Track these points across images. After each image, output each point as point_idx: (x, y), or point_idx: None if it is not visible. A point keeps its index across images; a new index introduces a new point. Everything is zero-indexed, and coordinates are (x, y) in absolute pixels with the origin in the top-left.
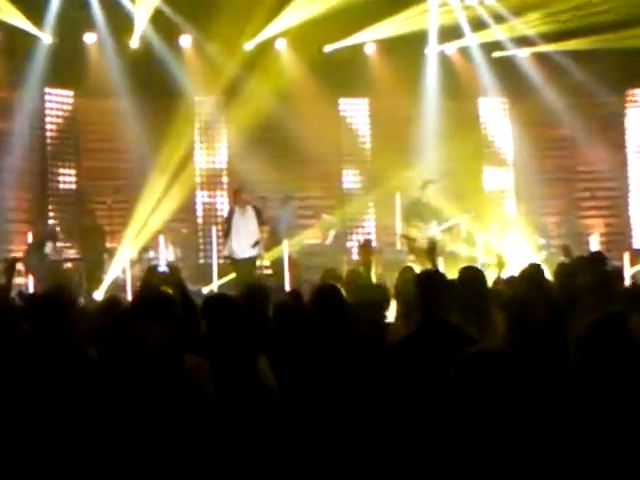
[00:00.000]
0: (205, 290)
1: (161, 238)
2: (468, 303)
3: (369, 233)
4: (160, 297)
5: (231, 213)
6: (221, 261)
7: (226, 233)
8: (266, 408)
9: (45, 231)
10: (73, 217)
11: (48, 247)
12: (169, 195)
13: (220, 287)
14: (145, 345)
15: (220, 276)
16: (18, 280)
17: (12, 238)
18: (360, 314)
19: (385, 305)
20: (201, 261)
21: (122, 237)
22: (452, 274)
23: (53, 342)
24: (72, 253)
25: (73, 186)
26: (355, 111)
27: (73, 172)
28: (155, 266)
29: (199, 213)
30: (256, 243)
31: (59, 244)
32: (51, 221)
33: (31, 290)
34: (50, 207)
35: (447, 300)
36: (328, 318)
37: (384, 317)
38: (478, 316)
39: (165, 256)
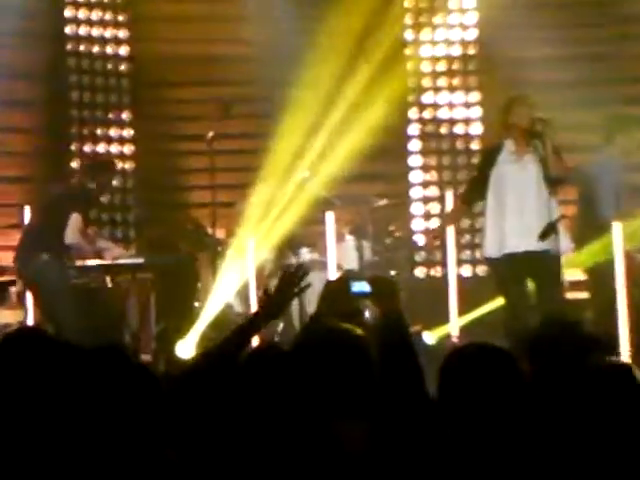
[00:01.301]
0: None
1: (329, 216)
2: None
3: None
4: (360, 359)
5: (491, 158)
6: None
7: (467, 198)
8: None
9: (70, 198)
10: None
11: (71, 234)
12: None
13: (469, 326)
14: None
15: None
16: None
17: None
18: None
19: None
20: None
21: (235, 220)
22: None
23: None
24: (130, 255)
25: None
26: None
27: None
28: (346, 280)
29: (413, 162)
30: (550, 228)
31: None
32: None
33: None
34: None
35: None
36: None
37: None
38: None
39: (338, 257)
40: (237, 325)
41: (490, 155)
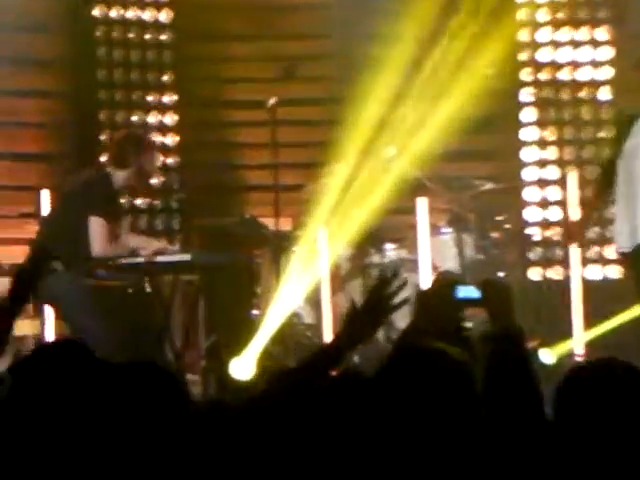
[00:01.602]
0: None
1: (421, 204)
2: None
3: None
4: (462, 392)
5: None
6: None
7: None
8: None
9: (87, 196)
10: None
11: (98, 245)
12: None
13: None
14: None
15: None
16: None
17: None
18: None
19: None
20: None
21: (303, 207)
22: None
23: None
24: (172, 252)
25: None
26: None
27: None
28: (451, 284)
29: (526, 136)
30: None
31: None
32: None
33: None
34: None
35: None
36: None
37: None
38: None
39: (432, 254)
40: (319, 350)
41: (624, 127)
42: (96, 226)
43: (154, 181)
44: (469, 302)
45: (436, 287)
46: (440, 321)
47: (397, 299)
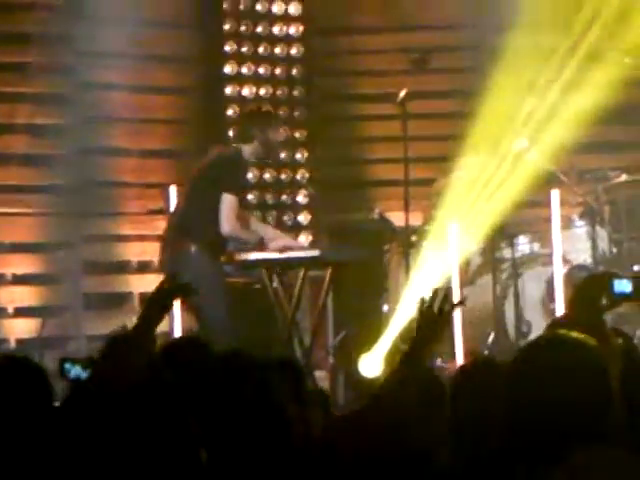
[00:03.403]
0: None
1: (554, 196)
2: None
3: None
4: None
5: None
6: None
7: None
8: None
9: (220, 171)
10: None
11: (227, 222)
12: None
13: None
14: None
15: None
16: None
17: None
18: None
19: None
20: None
21: (433, 201)
22: None
23: None
24: (301, 247)
25: None
26: None
27: None
28: (607, 277)
29: None
30: None
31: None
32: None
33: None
34: None
35: None
36: None
37: None
38: None
39: (565, 248)
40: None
41: None
42: (228, 203)
43: (282, 155)
44: (623, 296)
45: (594, 279)
46: (593, 313)
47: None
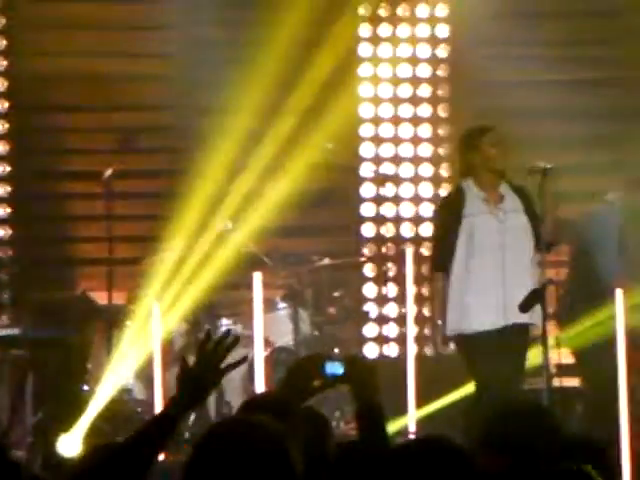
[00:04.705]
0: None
1: (257, 279)
2: None
3: None
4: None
5: (456, 207)
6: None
7: (441, 264)
8: None
9: None
10: None
11: None
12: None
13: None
14: None
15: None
16: None
17: None
18: None
19: None
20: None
21: (137, 281)
22: None
23: None
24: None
25: None
26: None
27: None
28: (320, 359)
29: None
30: (535, 296)
31: None
32: None
33: None
34: None
35: None
36: None
37: None
38: None
39: (267, 329)
40: (150, 419)
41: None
42: None
43: None
44: (335, 377)
45: (307, 360)
46: (304, 391)
47: (230, 359)
